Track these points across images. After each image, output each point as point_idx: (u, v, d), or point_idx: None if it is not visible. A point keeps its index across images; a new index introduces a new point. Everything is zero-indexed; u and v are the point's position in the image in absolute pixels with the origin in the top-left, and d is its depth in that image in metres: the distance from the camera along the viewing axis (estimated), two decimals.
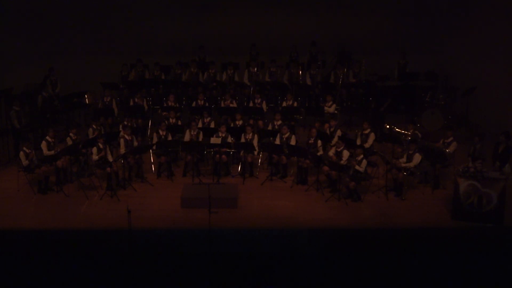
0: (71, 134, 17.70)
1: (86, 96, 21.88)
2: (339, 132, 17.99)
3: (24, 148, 16.57)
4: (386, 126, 18.66)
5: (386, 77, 22.61)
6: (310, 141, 17.32)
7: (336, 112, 20.23)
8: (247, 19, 24.54)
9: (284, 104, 20.34)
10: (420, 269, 13.68)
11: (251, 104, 20.42)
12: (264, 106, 20.29)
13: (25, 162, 16.50)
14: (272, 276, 13.39)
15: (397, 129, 18.27)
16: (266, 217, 15.45)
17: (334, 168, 16.37)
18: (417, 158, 16.25)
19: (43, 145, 17.04)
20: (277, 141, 17.62)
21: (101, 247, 14.45)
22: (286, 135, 17.56)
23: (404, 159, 16.44)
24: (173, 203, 16.01)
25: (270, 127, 18.71)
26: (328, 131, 18.17)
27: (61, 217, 15.42)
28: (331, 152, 16.91)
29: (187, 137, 17.95)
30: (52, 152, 16.87)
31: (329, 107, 20.19)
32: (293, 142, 17.47)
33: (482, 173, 15.04)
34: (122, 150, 17.13)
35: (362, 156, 16.18)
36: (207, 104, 20.50)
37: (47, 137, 17.18)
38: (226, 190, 16.42)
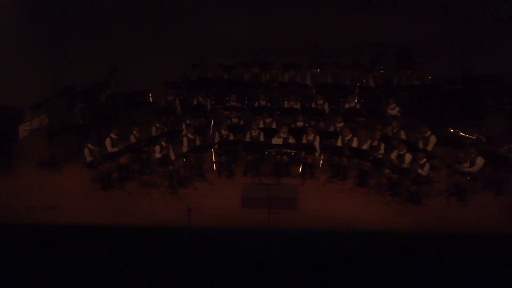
0: (134, 132, 17.90)
1: (149, 94, 22.11)
2: (403, 135, 17.76)
3: (89, 145, 16.83)
4: (450, 130, 18.36)
5: (450, 80, 22.25)
6: (373, 144, 17.14)
7: (399, 114, 20.00)
8: (309, 20, 24.51)
9: (347, 105, 20.21)
10: (480, 276, 13.41)
11: (313, 105, 20.33)
12: (326, 107, 20.19)
13: (89, 158, 16.75)
14: (329, 278, 13.32)
15: (461, 133, 17.95)
16: (325, 218, 15.34)
17: (396, 171, 16.18)
18: (480, 161, 15.90)
19: (107, 142, 17.27)
20: (339, 143, 17.51)
21: (161, 244, 14.56)
22: (348, 137, 17.44)
23: (467, 164, 16.14)
24: (233, 202, 16.03)
25: (331, 129, 18.59)
26: (390, 134, 17.97)
27: (122, 214, 15.57)
28: (393, 155, 16.71)
29: (248, 137, 17.98)
30: (116, 150, 17.09)
31: (392, 109, 19.97)
32: (354, 144, 17.33)
33: None
34: (185, 149, 17.25)
35: (425, 159, 15.96)
36: (268, 105, 20.51)
37: (111, 135, 17.41)
38: (286, 190, 16.37)
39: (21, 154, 19.41)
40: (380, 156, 16.76)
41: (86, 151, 16.77)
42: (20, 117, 20.23)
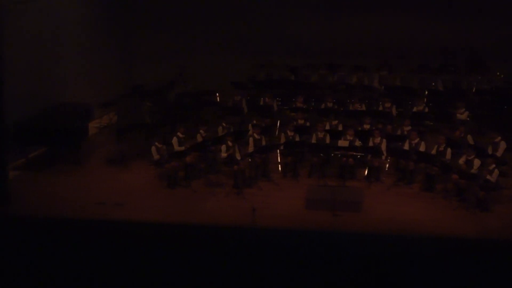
0: (201, 131, 18.04)
1: (217, 94, 22.28)
2: (470, 140, 17.47)
3: (156, 143, 17.05)
4: None
5: None
6: (440, 149, 16.91)
7: (468, 119, 19.67)
8: (378, 22, 24.34)
9: (414, 109, 20.00)
10: None
11: (380, 108, 20.18)
12: (393, 110, 20.02)
13: (156, 156, 16.97)
14: (392, 283, 13.19)
15: None
16: (390, 222, 15.17)
17: (463, 177, 15.91)
18: None
19: (174, 141, 17.47)
20: (406, 147, 17.33)
21: (225, 243, 14.63)
22: (415, 141, 17.25)
23: None
24: (297, 203, 16.00)
25: (399, 132, 18.42)
26: (457, 138, 17.70)
27: (187, 212, 15.68)
28: (461, 160, 16.44)
29: (314, 139, 17.95)
30: (182, 148, 17.27)
31: (461, 113, 19.67)
32: (422, 148, 17.11)
33: None
34: (251, 149, 17.31)
35: (494, 165, 15.66)
36: (335, 107, 20.44)
37: (178, 133, 17.60)
38: (351, 193, 16.28)
39: (90, 151, 19.79)
40: (448, 161, 16.53)
41: (153, 149, 16.99)
42: (90, 114, 20.64)
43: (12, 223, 14.98)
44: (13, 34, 17.44)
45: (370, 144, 17.53)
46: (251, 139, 17.58)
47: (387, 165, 18.09)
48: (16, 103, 17.26)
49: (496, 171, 15.61)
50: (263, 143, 17.61)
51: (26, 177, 17.87)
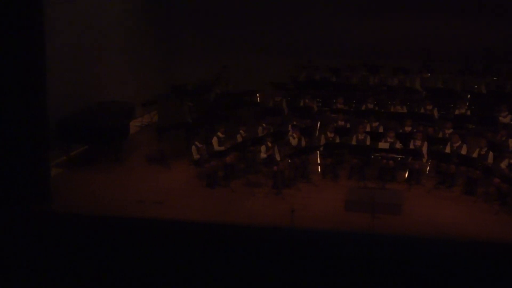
0: (241, 131, 18.08)
1: (257, 94, 22.31)
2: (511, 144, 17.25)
3: (196, 143, 17.12)
4: None
5: None
6: (482, 152, 16.70)
7: (511, 122, 19.39)
8: (420, 24, 24.14)
9: (457, 112, 19.79)
10: None
11: (421, 111, 20.01)
12: (435, 113, 19.84)
13: (196, 156, 17.04)
14: (431, 286, 13.08)
15: None
16: (430, 226, 15.03)
17: (505, 181, 15.70)
18: None
19: (214, 140, 17.53)
20: (447, 150, 17.15)
21: (263, 244, 14.63)
22: (457, 144, 17.07)
23: None
24: (336, 205, 15.94)
25: (440, 135, 18.24)
26: (500, 142, 17.47)
27: (226, 212, 15.72)
28: (504, 164, 16.23)
29: (354, 141, 17.87)
30: (222, 148, 17.33)
31: (504, 117, 19.40)
32: (463, 151, 16.93)
33: None
34: (290, 150, 17.31)
35: None
36: (376, 108, 20.32)
37: (218, 133, 17.67)
38: (391, 195, 16.19)
39: (131, 150, 19.97)
40: (489, 165, 16.32)
41: (193, 148, 17.07)
42: (132, 113, 20.82)
43: (54, 220, 15.18)
44: (56, 33, 17.69)
45: (411, 146, 17.40)
46: (291, 140, 17.58)
47: (428, 168, 17.92)
48: (58, 101, 17.52)
49: None
50: (303, 144, 17.58)
51: (68, 175, 18.09)
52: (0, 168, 15.13)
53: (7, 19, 14.57)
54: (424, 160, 17.42)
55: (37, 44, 15.12)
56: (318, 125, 20.42)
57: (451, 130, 18.06)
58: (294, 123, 18.90)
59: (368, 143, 17.76)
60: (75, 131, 18.42)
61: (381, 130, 18.63)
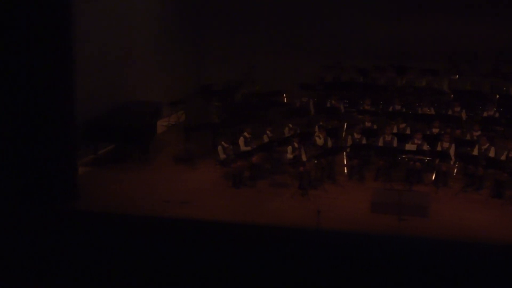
0: (267, 131, 18.10)
1: (284, 95, 22.32)
2: None
3: (222, 143, 17.17)
4: None
5: None
6: (510, 155, 16.57)
7: None
8: (448, 25, 24.01)
9: (485, 114, 19.66)
10: None
11: (449, 112, 19.89)
12: (463, 115, 19.72)
13: (222, 156, 17.08)
14: None
15: None
16: (457, 229, 14.92)
17: None
18: None
19: (241, 140, 17.56)
20: (475, 152, 17.03)
21: (288, 244, 14.62)
22: (485, 146, 16.93)
23: None
24: (362, 206, 15.90)
25: (468, 137, 18.11)
26: None
27: (252, 212, 15.70)
28: None
29: (381, 142, 17.80)
30: (248, 148, 17.35)
31: None
32: (491, 154, 16.79)
33: None
34: (315, 151, 17.30)
35: None
36: (403, 110, 20.24)
37: (245, 133, 17.69)
38: (417, 198, 16.09)
39: (158, 149, 20.07)
40: None
41: (219, 148, 17.12)
42: (159, 112, 20.93)
43: (81, 218, 15.29)
44: (85, 34, 17.82)
45: (439, 148, 17.29)
46: (316, 139, 17.58)
47: (455, 170, 17.81)
48: (87, 101, 17.64)
49: None
50: (329, 145, 17.56)
51: (95, 174, 18.23)
52: (29, 166, 15.29)
53: (37, 20, 14.69)
54: (452, 162, 17.30)
55: (66, 45, 15.24)
56: (345, 126, 20.37)
57: (479, 132, 17.95)
58: (321, 123, 18.89)
59: (395, 144, 17.68)
60: (103, 131, 18.57)
61: (408, 131, 18.54)
